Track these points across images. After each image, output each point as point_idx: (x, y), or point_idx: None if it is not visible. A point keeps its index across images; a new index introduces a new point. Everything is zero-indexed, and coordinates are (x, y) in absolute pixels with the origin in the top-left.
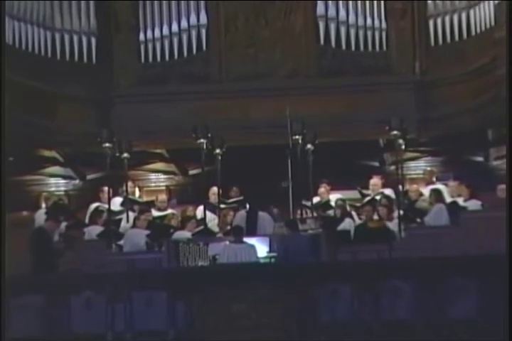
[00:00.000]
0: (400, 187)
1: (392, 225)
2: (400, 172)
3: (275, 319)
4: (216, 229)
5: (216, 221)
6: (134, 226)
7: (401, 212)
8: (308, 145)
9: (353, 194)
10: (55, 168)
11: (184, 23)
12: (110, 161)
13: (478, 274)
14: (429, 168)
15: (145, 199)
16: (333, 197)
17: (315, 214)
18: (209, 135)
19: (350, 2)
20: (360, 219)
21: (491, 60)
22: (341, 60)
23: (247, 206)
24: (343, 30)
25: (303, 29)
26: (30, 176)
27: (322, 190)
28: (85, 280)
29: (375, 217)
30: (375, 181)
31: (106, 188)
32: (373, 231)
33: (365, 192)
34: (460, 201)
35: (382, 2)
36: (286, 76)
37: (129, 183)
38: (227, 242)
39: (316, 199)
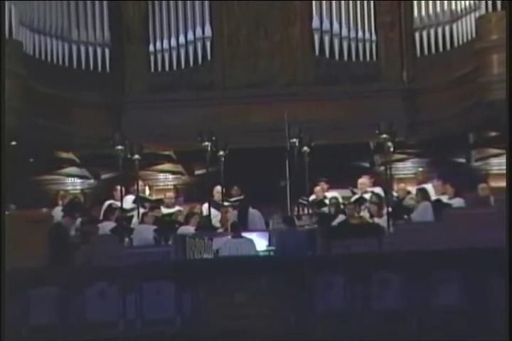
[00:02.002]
0: (389, 186)
1: (382, 221)
2: (388, 172)
3: (274, 308)
4: (219, 224)
5: (219, 217)
6: (141, 222)
7: (390, 209)
8: (305, 148)
9: (347, 192)
10: (72, 168)
11: (190, 36)
12: (122, 162)
13: (461, 266)
14: (421, 169)
15: (154, 197)
16: (329, 195)
17: (311, 211)
18: (213, 138)
19: (343, 16)
20: None
21: (472, 69)
22: (335, 69)
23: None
24: (336, 42)
25: (299, 41)
26: (49, 176)
27: (318, 188)
28: (99, 272)
29: (363, 213)
30: (363, 180)
31: (118, 187)
32: (361, 227)
33: (355, 190)
34: (444, 199)
35: (372, 16)
36: (284, 84)
37: (140, 182)
38: (229, 237)
39: (312, 198)
